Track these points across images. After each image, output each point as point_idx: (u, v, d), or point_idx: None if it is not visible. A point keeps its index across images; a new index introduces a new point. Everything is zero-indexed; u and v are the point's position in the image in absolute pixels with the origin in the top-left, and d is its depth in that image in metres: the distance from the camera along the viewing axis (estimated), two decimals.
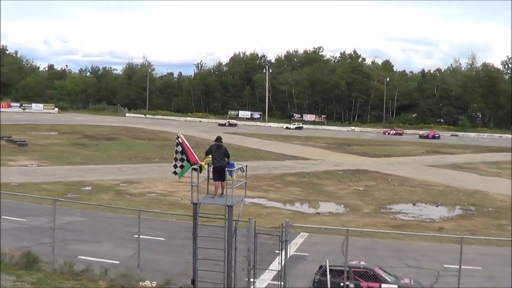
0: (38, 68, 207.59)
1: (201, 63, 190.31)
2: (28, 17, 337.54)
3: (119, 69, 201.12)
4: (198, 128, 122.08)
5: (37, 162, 67.31)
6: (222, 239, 19.42)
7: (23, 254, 24.39)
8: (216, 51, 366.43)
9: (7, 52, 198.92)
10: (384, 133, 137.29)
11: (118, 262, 26.08)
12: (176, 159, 20.26)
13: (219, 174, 19.95)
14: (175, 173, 20.46)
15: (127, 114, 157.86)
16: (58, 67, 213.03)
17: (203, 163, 20.02)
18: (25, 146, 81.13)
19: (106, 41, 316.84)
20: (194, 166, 19.64)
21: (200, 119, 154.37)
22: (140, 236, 24.01)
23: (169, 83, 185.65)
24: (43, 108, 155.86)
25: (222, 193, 20.03)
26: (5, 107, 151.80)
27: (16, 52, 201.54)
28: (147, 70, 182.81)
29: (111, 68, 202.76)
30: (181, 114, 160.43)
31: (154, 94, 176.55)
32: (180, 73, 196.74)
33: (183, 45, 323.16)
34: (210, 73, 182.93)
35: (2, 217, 35.62)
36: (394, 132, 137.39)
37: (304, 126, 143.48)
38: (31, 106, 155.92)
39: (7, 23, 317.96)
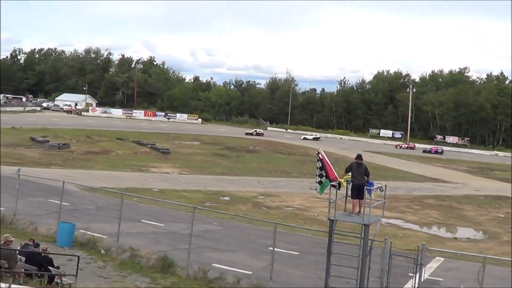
0: (184, 79, 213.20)
1: (344, 80, 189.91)
2: (176, 30, 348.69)
3: (262, 83, 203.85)
4: (339, 145, 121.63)
5: (178, 170, 68.99)
6: (356, 257, 19.14)
7: (160, 258, 24.93)
8: (360, 69, 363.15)
9: (155, 63, 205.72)
10: None
11: (251, 272, 26.19)
12: (316, 175, 20.20)
13: (358, 192, 19.71)
14: (316, 188, 20.42)
15: (268, 128, 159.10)
16: (203, 79, 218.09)
17: (342, 180, 19.84)
18: (168, 154, 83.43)
19: (251, 55, 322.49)
20: (333, 183, 19.49)
21: (341, 136, 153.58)
22: (275, 249, 24.01)
23: (312, 99, 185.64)
24: (187, 118, 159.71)
25: (359, 212, 19.79)
26: (150, 116, 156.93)
27: (163, 63, 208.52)
28: (290, 85, 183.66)
29: (254, 82, 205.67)
30: (322, 130, 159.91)
31: (296, 109, 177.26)
32: (323, 89, 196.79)
33: (327, 62, 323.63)
34: (353, 90, 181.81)
35: (142, 221, 36.84)
36: None
37: (447, 148, 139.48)
38: (175, 116, 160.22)
39: (156, 36, 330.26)
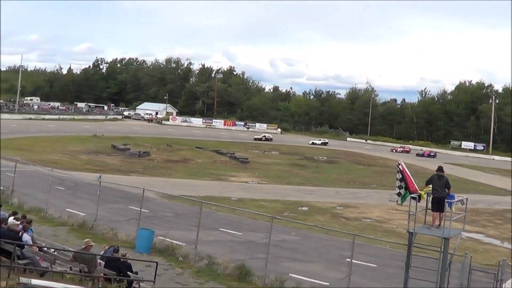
0: (264, 89, 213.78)
1: (425, 90, 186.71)
2: (257, 41, 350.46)
3: (342, 94, 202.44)
4: (418, 157, 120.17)
5: (257, 179, 69.22)
6: (435, 271, 18.79)
7: (237, 266, 24.99)
8: (442, 79, 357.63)
9: (235, 73, 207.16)
10: None
11: (327, 283, 26.03)
12: (396, 186, 19.95)
13: (438, 205, 19.34)
14: (397, 201, 20.14)
15: (348, 139, 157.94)
16: (283, 89, 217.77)
17: (422, 192, 19.52)
18: (247, 164, 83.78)
19: (331, 65, 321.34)
20: (413, 195, 19.21)
21: (421, 147, 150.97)
22: (352, 261, 23.79)
23: (392, 109, 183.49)
24: (266, 128, 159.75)
25: (439, 225, 19.41)
26: (230, 125, 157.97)
27: (243, 73, 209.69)
28: (370, 96, 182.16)
29: (334, 92, 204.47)
30: (402, 141, 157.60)
31: (376, 120, 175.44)
32: (404, 99, 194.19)
33: (408, 72, 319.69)
34: (434, 101, 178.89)
35: (220, 229, 37.04)
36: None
37: None
38: (254, 126, 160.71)
39: (237, 46, 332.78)
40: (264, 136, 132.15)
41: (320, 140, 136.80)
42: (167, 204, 45.63)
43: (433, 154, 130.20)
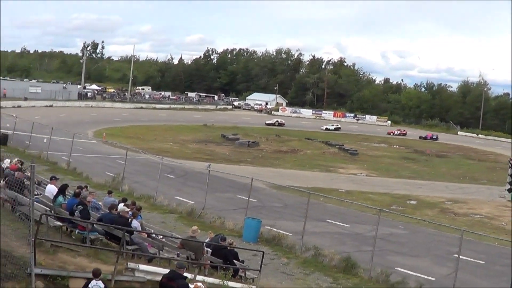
0: (375, 81, 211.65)
1: None
2: (368, 32, 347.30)
3: (454, 87, 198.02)
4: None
5: (366, 171, 68.78)
6: None
7: (343, 258, 24.93)
8: None
9: (345, 64, 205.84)
10: None
11: (434, 279, 25.62)
12: (507, 182, 19.47)
13: None
14: (505, 196, 19.67)
15: (459, 132, 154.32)
16: (393, 81, 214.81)
17: None
18: (356, 156, 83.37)
19: (444, 58, 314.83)
20: None
21: None
22: (460, 257, 23.32)
23: (505, 104, 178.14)
24: (376, 120, 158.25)
25: None
26: (340, 117, 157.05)
27: (353, 65, 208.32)
28: (482, 89, 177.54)
29: (446, 85, 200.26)
30: None
31: (488, 114, 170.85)
32: None
33: None
34: None
35: (328, 220, 37.03)
36: None
37: None
38: (364, 118, 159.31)
39: (348, 37, 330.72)
40: (277, 121, 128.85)
41: (333, 125, 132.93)
42: (275, 194, 45.89)
43: (435, 136, 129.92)
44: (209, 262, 18.86)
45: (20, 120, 53.31)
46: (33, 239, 12.74)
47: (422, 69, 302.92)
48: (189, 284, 13.37)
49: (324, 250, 26.24)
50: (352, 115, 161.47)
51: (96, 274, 12.98)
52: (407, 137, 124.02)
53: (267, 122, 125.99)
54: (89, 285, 12.82)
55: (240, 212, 33.37)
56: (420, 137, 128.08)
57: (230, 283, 16.77)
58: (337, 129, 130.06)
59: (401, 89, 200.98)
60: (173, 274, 12.79)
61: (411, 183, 63.08)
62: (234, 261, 19.68)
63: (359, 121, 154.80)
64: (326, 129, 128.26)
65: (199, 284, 14.62)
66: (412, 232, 37.72)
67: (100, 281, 12.88)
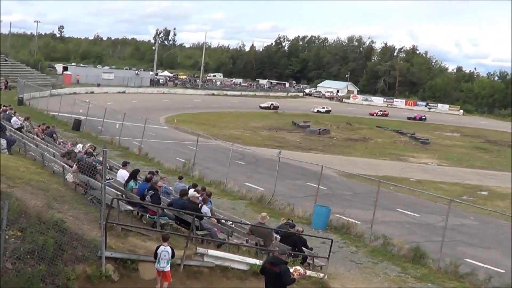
0: (447, 69, 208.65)
1: None
2: (442, 20, 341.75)
3: None
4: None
5: (437, 161, 68.08)
6: None
7: (412, 248, 24.84)
8: None
9: (418, 52, 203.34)
10: None
11: (503, 271, 25.28)
12: None
13: None
14: None
15: None
16: (466, 69, 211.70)
17: None
18: (428, 145, 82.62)
19: None
20: None
21: None
22: None
23: None
24: (448, 109, 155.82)
25: None
26: (411, 105, 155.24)
27: (426, 53, 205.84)
28: None
29: None
30: None
31: None
32: None
33: None
34: None
35: (398, 210, 36.87)
36: None
37: None
38: (436, 106, 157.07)
39: (421, 25, 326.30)
40: (272, 104, 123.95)
41: (324, 108, 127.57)
42: (346, 182, 45.86)
43: (424, 117, 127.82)
44: (277, 249, 19.06)
45: (93, 106, 54.46)
46: (104, 222, 13.21)
47: (496, 57, 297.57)
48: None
49: (393, 239, 26.18)
50: (424, 103, 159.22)
51: (165, 238, 13.59)
52: (479, 127, 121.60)
53: (261, 105, 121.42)
54: (158, 251, 13.41)
55: (309, 199, 33.46)
56: (409, 118, 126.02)
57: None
58: (328, 111, 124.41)
59: (474, 78, 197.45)
60: (276, 260, 13.00)
61: (482, 173, 62.14)
62: (303, 248, 19.81)
63: (431, 110, 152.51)
64: (318, 111, 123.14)
65: (298, 267, 14.94)
66: (483, 223, 37.23)
67: (168, 247, 13.44)
